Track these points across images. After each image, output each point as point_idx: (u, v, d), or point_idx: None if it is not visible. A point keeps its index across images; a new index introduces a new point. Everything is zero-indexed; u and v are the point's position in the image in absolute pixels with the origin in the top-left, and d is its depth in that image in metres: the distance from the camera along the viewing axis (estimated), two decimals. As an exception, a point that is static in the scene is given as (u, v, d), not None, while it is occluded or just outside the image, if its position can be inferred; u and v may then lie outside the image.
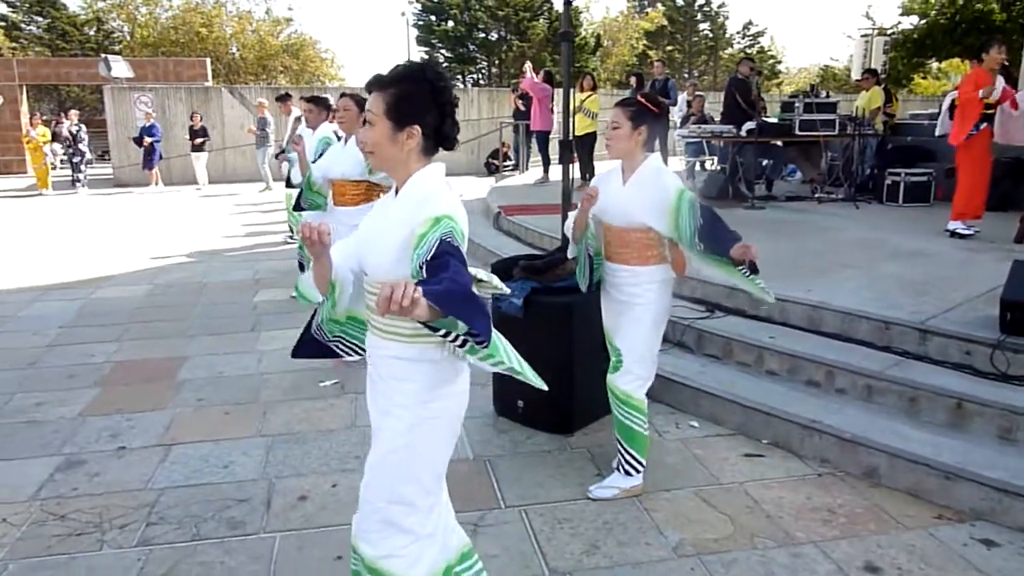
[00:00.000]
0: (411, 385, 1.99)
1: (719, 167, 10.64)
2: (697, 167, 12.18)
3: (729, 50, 43.91)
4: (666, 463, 3.66)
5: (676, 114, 13.27)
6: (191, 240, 10.23)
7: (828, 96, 10.55)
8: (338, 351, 2.27)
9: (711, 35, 44.16)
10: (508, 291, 2.09)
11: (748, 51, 41.69)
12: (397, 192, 2.06)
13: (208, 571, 2.81)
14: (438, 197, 1.94)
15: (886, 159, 9.70)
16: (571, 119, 4.09)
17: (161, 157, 16.91)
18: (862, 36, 15.23)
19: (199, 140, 16.63)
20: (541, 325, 3.87)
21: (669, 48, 41.36)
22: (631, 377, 3.27)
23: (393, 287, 1.50)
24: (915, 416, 3.70)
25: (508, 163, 16.45)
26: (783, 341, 4.41)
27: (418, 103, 1.95)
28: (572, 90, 4.63)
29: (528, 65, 11.89)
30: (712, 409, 4.13)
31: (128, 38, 34.27)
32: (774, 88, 38.44)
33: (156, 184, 16.92)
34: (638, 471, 3.34)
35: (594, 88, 11.13)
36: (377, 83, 1.97)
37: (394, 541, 2.02)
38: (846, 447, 3.54)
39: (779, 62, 44.56)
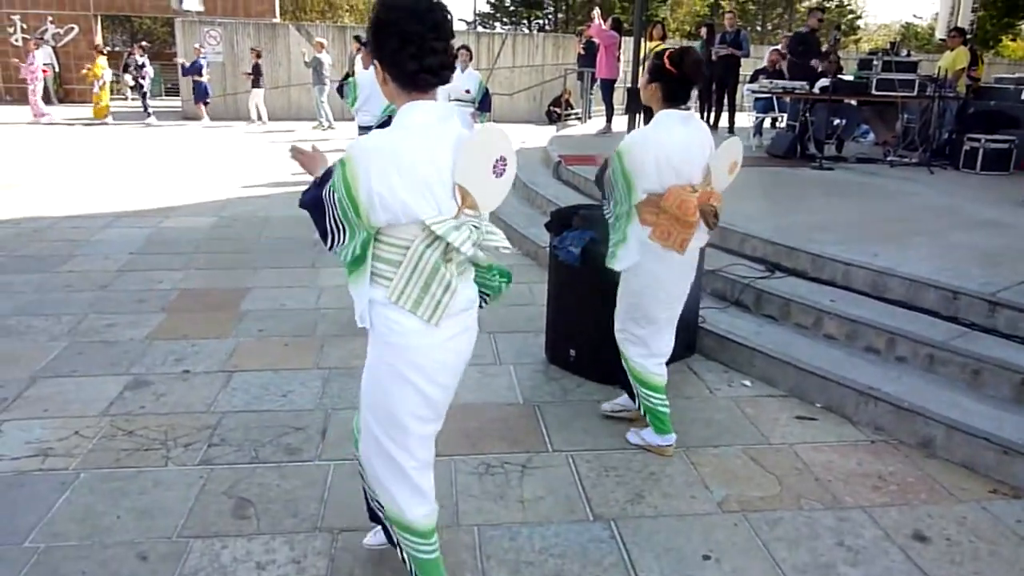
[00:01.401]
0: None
1: (787, 125, 10.29)
2: (767, 124, 11.79)
3: (806, 2, 42.02)
4: (716, 420, 3.66)
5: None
6: (254, 174, 10.42)
7: (909, 55, 10.04)
8: None
9: (788, -12, 42.23)
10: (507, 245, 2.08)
11: (825, 4, 39.84)
12: None
13: (265, 491, 2.94)
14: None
15: (966, 124, 9.24)
16: (639, 68, 3.98)
17: (207, 92, 17.02)
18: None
19: (252, 76, 16.70)
20: (598, 275, 3.84)
21: (742, -1, 39.78)
22: (616, 329, 3.37)
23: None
24: (978, 389, 3.60)
25: (571, 112, 16.21)
26: (844, 305, 4.31)
27: (373, 38, 1.91)
28: (642, 38, 4.52)
29: (596, 11, 11.61)
30: (766, 369, 4.08)
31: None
32: (852, 45, 36.78)
33: (203, 119, 17.09)
34: (665, 433, 3.33)
35: (663, 37, 10.81)
36: None
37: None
38: (903, 416, 3.48)
39: (858, 17, 42.53)
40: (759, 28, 39.76)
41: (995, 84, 11.49)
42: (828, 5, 39.30)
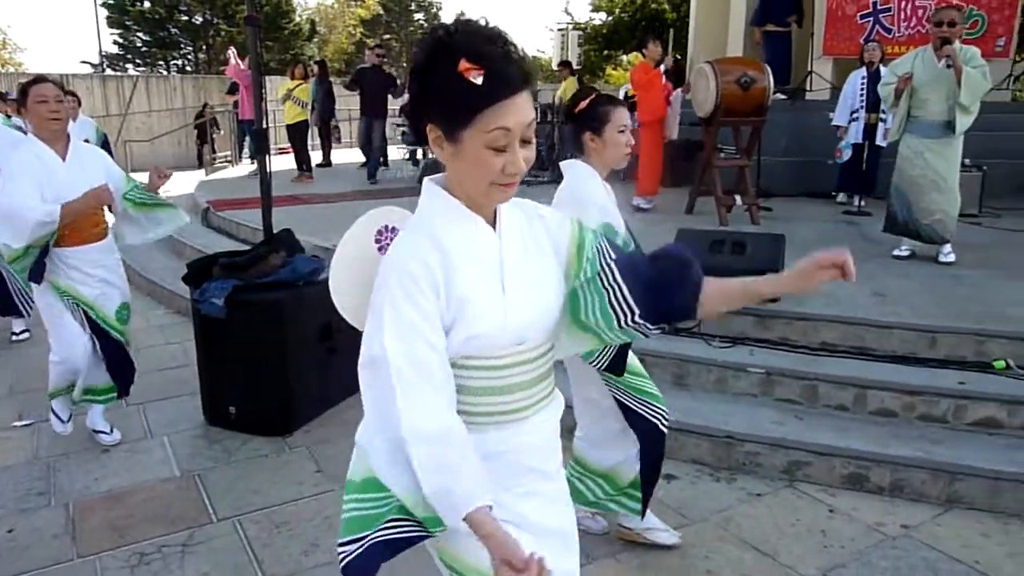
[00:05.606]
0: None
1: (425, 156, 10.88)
2: (420, 155, 12.35)
3: (446, 40, 45.11)
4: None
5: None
6: None
7: (528, 85, 11.24)
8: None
9: (426, 25, 45.06)
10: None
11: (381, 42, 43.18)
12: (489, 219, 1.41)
13: None
14: (536, 204, 1.51)
15: (585, 143, 10.60)
16: (261, 106, 3.91)
17: None
18: (559, 30, 16.49)
19: None
20: (249, 325, 3.68)
21: (386, 37, 41.47)
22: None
23: None
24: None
25: (218, 155, 15.44)
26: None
27: None
28: (267, 76, 4.41)
29: (232, 51, 11.21)
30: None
31: None
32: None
33: None
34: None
35: (305, 77, 10.81)
36: (525, 74, 1.28)
37: None
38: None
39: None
40: (404, 64, 41.71)
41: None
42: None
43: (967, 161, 6.65)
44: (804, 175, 8.57)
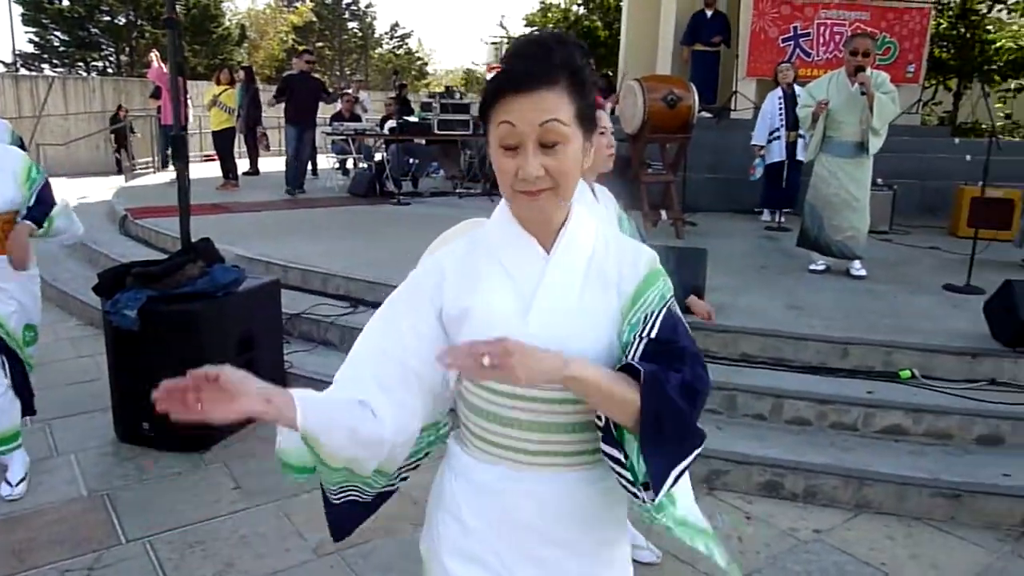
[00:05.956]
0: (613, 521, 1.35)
1: (366, 165, 10.79)
2: (350, 165, 12.23)
3: (379, 49, 44.88)
4: (310, 464, 3.61)
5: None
6: None
7: (462, 97, 11.26)
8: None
9: (360, 34, 44.68)
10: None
11: (396, 52, 43.10)
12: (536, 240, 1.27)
13: None
14: (626, 239, 1.35)
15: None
16: (181, 111, 3.80)
17: None
18: (493, 44, 16.59)
19: None
20: (163, 337, 3.55)
21: (319, 45, 40.96)
22: None
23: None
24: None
25: (138, 161, 14.94)
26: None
27: (593, 86, 1.26)
28: (194, 81, 4.30)
29: (154, 53, 10.90)
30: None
31: None
32: (424, 88, 40.18)
33: None
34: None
35: (232, 82, 10.57)
36: (550, 69, 1.16)
37: None
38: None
39: (426, 64, 46.71)
40: (338, 72, 41.29)
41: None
42: (398, 52, 42.55)
43: (879, 181, 6.99)
44: (728, 191, 8.82)
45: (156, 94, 12.28)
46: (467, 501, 1.29)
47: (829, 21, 10.37)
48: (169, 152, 11.61)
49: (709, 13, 10.22)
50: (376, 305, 4.83)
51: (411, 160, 10.77)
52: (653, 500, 1.13)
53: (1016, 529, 3.17)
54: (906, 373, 3.89)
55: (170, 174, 11.99)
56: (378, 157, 10.50)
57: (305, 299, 5.12)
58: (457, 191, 9.96)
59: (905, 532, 3.13)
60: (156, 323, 3.54)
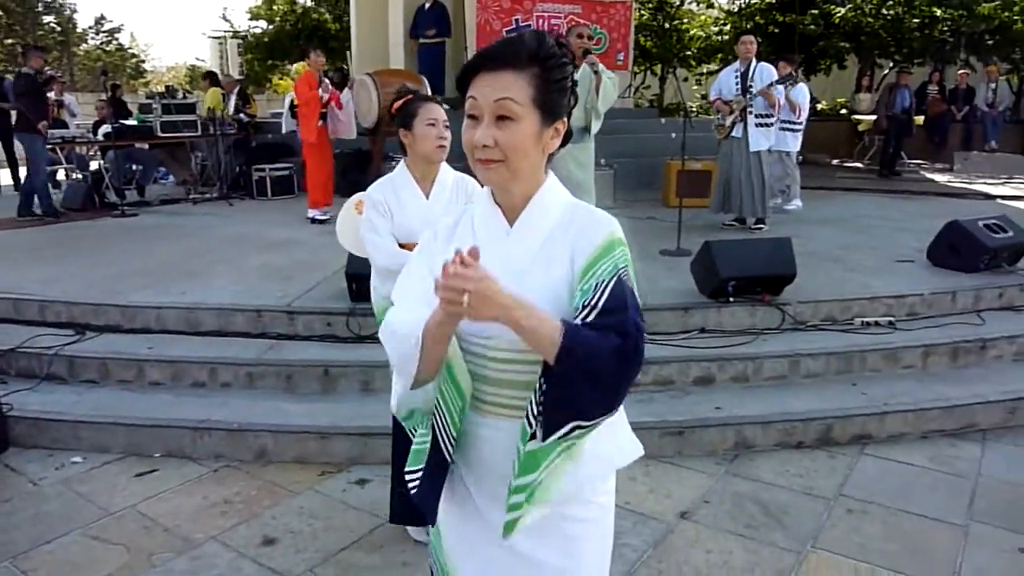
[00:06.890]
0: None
1: (81, 176, 9.72)
2: (61, 176, 10.91)
3: (84, 46, 40.22)
4: (46, 512, 3.25)
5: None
6: None
7: (185, 97, 10.52)
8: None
9: (59, 29, 39.69)
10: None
11: (105, 48, 39.01)
12: (506, 215, 1.42)
13: None
14: (592, 212, 1.41)
15: (252, 156, 10.14)
16: None
17: None
18: (216, 38, 15.60)
19: None
20: None
21: (9, 42, 35.78)
22: None
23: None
24: (293, 391, 4.05)
25: None
26: (163, 349, 4.31)
27: (568, 84, 1.38)
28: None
29: None
30: (96, 438, 3.80)
31: None
32: (142, 88, 36.78)
33: None
34: None
35: None
36: (516, 55, 1.31)
37: None
38: (236, 437, 3.68)
39: (143, 61, 42.77)
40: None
41: (272, 119, 12.89)
42: (109, 48, 38.54)
43: (602, 161, 7.66)
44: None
45: None
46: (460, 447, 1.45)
47: (547, 14, 11.11)
48: None
49: (427, 5, 10.48)
50: (108, 329, 4.46)
51: (134, 167, 9.89)
52: (543, 440, 1.28)
53: (730, 452, 3.73)
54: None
55: None
56: (94, 166, 9.51)
57: (19, 332, 4.55)
58: (191, 197, 9.28)
59: (643, 471, 3.53)
60: None
